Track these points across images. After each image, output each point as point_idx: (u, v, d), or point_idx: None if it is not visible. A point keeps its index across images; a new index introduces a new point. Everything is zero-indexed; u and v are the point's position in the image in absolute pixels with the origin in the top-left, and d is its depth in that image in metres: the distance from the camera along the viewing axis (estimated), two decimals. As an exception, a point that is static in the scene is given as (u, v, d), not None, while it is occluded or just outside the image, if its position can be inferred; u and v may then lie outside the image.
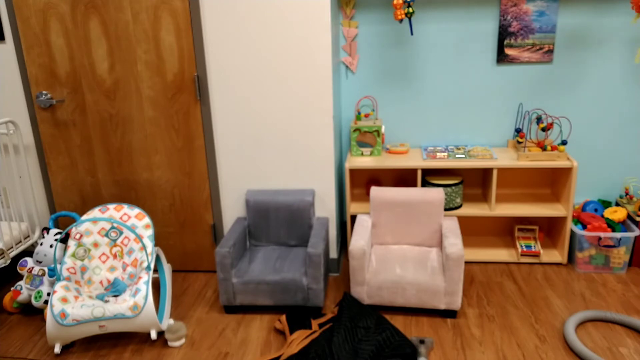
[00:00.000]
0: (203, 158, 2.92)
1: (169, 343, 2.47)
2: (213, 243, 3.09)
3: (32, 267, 2.72)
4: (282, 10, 2.61)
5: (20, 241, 2.98)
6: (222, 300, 2.66)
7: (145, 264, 2.55)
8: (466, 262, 3.13)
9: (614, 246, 2.88)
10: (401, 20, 2.73)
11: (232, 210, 3.01)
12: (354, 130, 3.08)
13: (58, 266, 2.59)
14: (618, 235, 2.86)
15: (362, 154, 3.13)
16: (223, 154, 2.91)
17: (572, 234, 2.98)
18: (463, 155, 3.00)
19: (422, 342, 2.33)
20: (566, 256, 3.02)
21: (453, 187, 2.99)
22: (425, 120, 3.24)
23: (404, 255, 2.73)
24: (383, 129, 3.15)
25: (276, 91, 2.75)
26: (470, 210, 3.03)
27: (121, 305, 2.37)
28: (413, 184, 3.24)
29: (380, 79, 3.18)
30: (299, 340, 2.37)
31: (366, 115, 3.18)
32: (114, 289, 2.53)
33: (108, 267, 2.65)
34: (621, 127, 3.11)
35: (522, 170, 3.22)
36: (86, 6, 2.73)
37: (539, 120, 3.07)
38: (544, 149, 2.94)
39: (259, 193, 2.89)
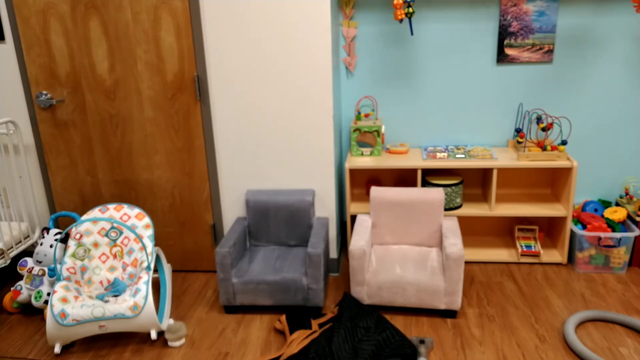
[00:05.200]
0: (203, 158, 2.92)
1: (169, 343, 2.47)
2: (213, 243, 3.09)
3: (32, 267, 2.72)
4: (282, 10, 2.61)
5: (20, 241, 2.98)
6: (222, 300, 2.66)
7: (145, 264, 2.55)
8: (466, 262, 3.13)
9: (614, 246, 2.88)
10: (401, 20, 2.74)
11: (232, 210, 3.01)
12: (354, 130, 3.08)
13: (58, 266, 2.59)
14: (618, 235, 2.86)
15: (362, 154, 3.13)
16: (223, 154, 2.91)
17: (572, 234, 2.98)
18: (463, 155, 3.00)
19: (422, 342, 2.33)
20: (566, 256, 3.02)
21: (453, 187, 2.99)
22: (425, 120, 3.24)
23: (404, 255, 2.73)
24: (383, 129, 3.15)
25: (276, 91, 2.75)
26: (470, 210, 3.03)
27: (121, 305, 2.37)
28: (413, 184, 3.24)
29: (380, 79, 3.18)
30: (299, 340, 2.37)
31: (366, 115, 3.18)
32: (114, 289, 2.53)
33: (108, 267, 2.65)
34: (621, 127, 3.11)
35: (522, 170, 3.22)
36: (86, 6, 2.73)
37: (539, 120, 3.07)
38: (544, 149, 2.94)
39: (259, 193, 2.89)
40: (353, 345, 2.28)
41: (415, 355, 2.26)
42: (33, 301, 2.65)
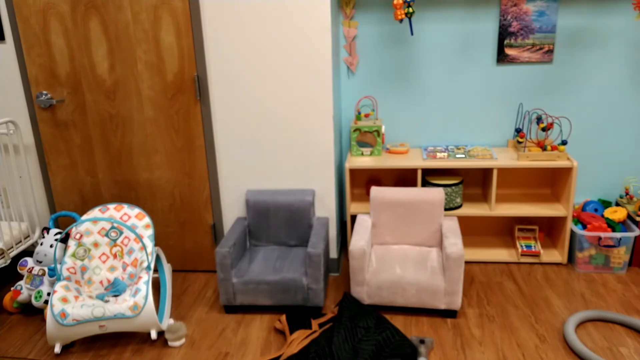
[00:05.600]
0: (203, 158, 2.92)
1: (169, 343, 2.47)
2: (213, 243, 3.09)
3: (32, 267, 2.72)
4: (282, 10, 2.61)
5: (20, 241, 2.98)
6: (222, 300, 2.66)
7: (145, 264, 2.55)
8: (466, 262, 3.13)
9: (614, 246, 2.88)
10: (401, 20, 2.73)
11: (232, 210, 3.01)
12: (354, 130, 3.08)
13: (58, 266, 2.59)
14: (618, 235, 2.86)
15: (362, 154, 3.13)
16: (223, 154, 2.91)
17: (572, 234, 2.98)
18: (463, 155, 3.00)
19: (422, 342, 2.33)
20: (566, 256, 3.02)
21: (453, 187, 2.99)
22: (425, 120, 3.24)
23: (404, 255, 2.73)
24: (383, 129, 3.15)
25: (276, 91, 2.75)
26: (470, 210, 3.03)
27: (121, 305, 2.37)
28: (413, 184, 3.24)
29: (380, 79, 3.18)
30: (299, 340, 2.37)
31: (366, 115, 3.18)
32: (114, 289, 2.53)
33: (108, 267, 2.65)
34: (621, 127, 3.11)
35: (522, 170, 3.22)
36: (86, 6, 2.73)
37: (539, 120, 3.07)
38: (544, 149, 2.94)
39: (259, 193, 2.89)
40: (353, 345, 2.28)
41: (415, 355, 2.26)
42: (33, 301, 2.65)
